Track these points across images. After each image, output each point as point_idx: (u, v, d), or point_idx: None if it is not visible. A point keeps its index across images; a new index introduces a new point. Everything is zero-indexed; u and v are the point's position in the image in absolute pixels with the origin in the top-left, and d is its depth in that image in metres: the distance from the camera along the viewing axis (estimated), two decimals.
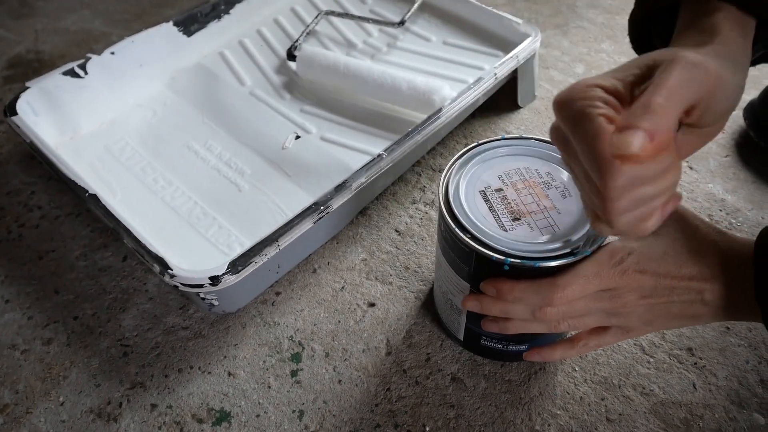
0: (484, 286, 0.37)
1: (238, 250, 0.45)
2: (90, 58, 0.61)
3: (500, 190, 0.38)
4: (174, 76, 0.67)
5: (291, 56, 0.67)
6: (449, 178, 0.39)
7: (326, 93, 0.65)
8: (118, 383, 0.46)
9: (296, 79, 0.67)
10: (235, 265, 0.44)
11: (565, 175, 0.39)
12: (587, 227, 0.36)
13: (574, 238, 0.35)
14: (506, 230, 0.36)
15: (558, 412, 0.43)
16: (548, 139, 0.41)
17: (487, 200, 0.38)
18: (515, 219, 0.36)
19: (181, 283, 0.43)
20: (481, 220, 0.36)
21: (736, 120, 0.65)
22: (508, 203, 0.37)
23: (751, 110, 0.61)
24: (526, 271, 0.35)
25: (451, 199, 0.37)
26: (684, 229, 0.36)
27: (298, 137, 0.61)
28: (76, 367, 0.47)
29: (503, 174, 0.39)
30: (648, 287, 0.35)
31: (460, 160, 0.40)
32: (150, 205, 0.55)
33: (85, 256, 0.54)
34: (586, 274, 0.34)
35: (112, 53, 0.62)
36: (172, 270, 0.43)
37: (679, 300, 0.35)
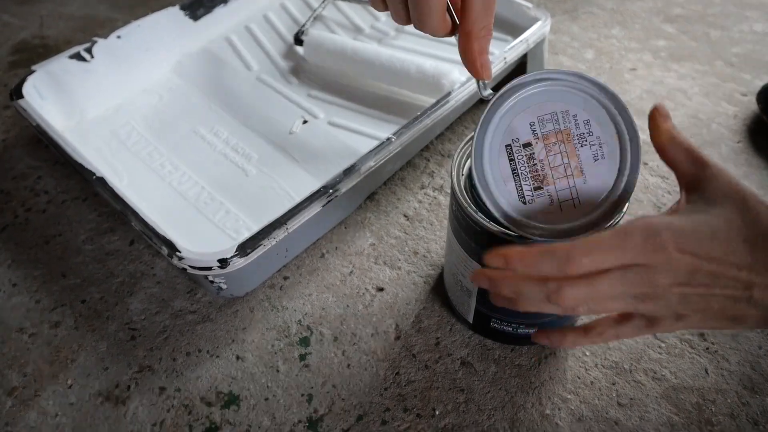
0: (489, 257, 0.32)
1: (246, 235, 0.45)
2: (96, 41, 0.61)
3: (529, 145, 0.35)
4: (180, 61, 0.67)
5: (298, 41, 0.66)
6: (462, 154, 0.38)
7: (334, 77, 0.64)
8: (126, 366, 0.46)
9: (303, 63, 0.66)
10: (244, 248, 0.44)
11: (604, 129, 0.35)
12: (608, 203, 0.34)
13: (594, 216, 0.34)
14: (525, 203, 0.34)
15: (569, 397, 0.43)
16: (599, 81, 0.35)
17: (512, 159, 0.35)
18: (537, 188, 0.35)
19: (190, 266, 0.43)
20: (501, 188, 0.35)
21: (748, 105, 0.64)
22: (534, 165, 0.35)
23: (764, 95, 0.60)
24: None
25: (463, 177, 0.37)
26: (742, 212, 0.31)
27: (305, 122, 0.60)
28: (84, 351, 0.47)
29: (536, 121, 0.35)
30: (685, 270, 0.30)
31: (480, 125, 0.36)
32: (157, 190, 0.55)
33: (92, 240, 0.54)
34: (610, 244, 0.30)
35: (118, 37, 0.62)
36: (180, 252, 0.43)
37: (721, 293, 0.30)
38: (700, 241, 0.30)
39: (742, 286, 0.30)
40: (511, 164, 0.35)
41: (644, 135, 0.34)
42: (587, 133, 0.35)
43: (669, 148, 0.33)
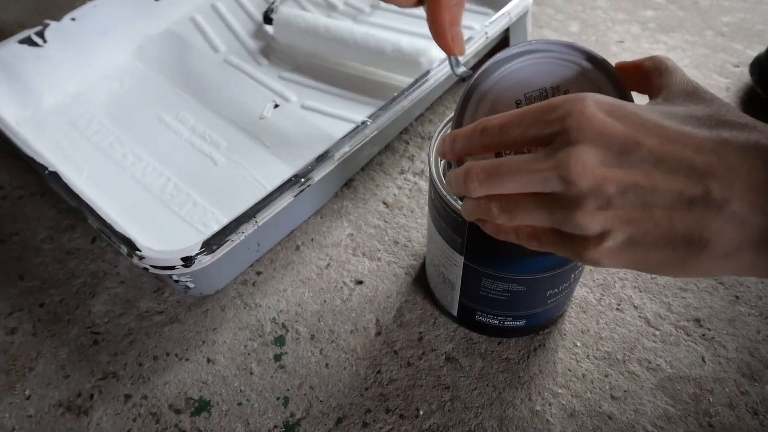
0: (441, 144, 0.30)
1: (215, 228, 0.42)
2: (48, 24, 0.57)
3: None
4: (142, 44, 0.63)
5: (267, 19, 0.63)
6: (441, 138, 0.35)
7: (306, 58, 0.61)
8: (88, 374, 0.43)
9: (273, 43, 0.63)
10: (210, 245, 0.41)
11: None
12: None
13: None
14: None
15: (560, 391, 0.41)
16: (591, 51, 0.31)
17: None
18: None
19: (152, 266, 0.40)
20: None
21: (741, 77, 0.61)
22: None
23: (758, 65, 0.57)
24: None
25: (443, 162, 0.34)
26: (705, 105, 0.25)
27: (276, 106, 0.57)
28: (43, 358, 0.44)
29: (523, 99, 0.31)
30: (617, 143, 0.22)
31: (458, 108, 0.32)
32: (119, 183, 0.51)
33: (51, 238, 0.51)
34: (532, 114, 0.25)
35: (73, 19, 0.58)
36: (140, 251, 0.40)
37: (665, 187, 0.22)
38: (645, 112, 0.24)
39: (695, 177, 0.22)
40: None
41: None
42: None
43: (640, 63, 0.29)
